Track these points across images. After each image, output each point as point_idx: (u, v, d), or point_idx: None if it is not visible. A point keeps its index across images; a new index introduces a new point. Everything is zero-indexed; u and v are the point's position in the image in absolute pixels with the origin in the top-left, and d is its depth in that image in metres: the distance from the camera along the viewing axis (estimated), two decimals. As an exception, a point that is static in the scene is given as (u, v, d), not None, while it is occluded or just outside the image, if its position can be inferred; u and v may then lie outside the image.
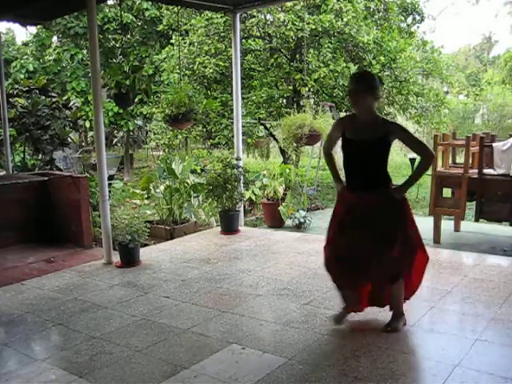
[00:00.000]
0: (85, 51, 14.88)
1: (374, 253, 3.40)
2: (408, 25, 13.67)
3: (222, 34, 10.77)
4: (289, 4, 10.15)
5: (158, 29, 13.41)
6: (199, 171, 8.66)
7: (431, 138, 7.98)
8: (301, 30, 9.83)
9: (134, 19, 14.64)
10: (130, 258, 5.31)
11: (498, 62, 27.87)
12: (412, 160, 13.01)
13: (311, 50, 10.36)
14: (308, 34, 9.92)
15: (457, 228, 6.69)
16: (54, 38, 16.64)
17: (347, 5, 10.32)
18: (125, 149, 16.61)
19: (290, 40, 10.35)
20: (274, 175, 7.71)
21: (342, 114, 13.26)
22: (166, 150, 12.91)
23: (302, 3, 10.09)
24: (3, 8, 6.20)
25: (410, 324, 3.63)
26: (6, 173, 7.57)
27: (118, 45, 14.71)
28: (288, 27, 10.00)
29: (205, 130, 11.73)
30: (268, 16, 11.03)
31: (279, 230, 7.00)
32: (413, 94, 11.34)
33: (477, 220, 5.92)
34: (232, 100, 7.15)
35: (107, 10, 14.39)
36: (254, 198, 7.69)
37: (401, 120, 14.81)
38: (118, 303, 4.22)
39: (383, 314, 3.72)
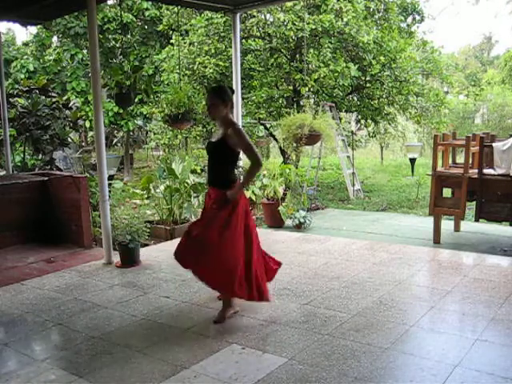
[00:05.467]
0: (85, 51, 14.87)
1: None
2: (408, 25, 13.66)
3: (222, 34, 10.77)
4: (289, 4, 10.14)
5: (158, 29, 13.41)
6: (199, 171, 8.65)
7: (431, 138, 7.99)
8: (301, 29, 9.82)
9: (134, 19, 14.63)
10: (130, 258, 5.31)
11: (498, 62, 27.86)
12: (412, 160, 13.05)
13: (311, 50, 10.35)
14: (308, 34, 9.91)
15: (457, 228, 6.69)
16: (54, 38, 16.64)
17: (347, 5, 10.31)
18: (125, 149, 16.60)
19: (290, 40, 10.35)
20: (274, 175, 7.71)
21: (343, 114, 13.30)
22: (166, 150, 12.91)
23: (301, 3, 10.08)
24: (3, 8, 6.20)
25: (410, 324, 3.64)
26: (6, 173, 7.57)
27: (118, 45, 14.69)
28: (288, 27, 9.99)
29: (205, 129, 11.72)
30: (268, 16, 11.03)
31: (279, 230, 7.00)
32: (413, 93, 11.33)
33: (477, 220, 5.92)
34: (232, 100, 7.13)
35: (107, 10, 14.38)
36: (254, 198, 7.69)
37: (401, 120, 14.83)
38: (117, 303, 4.22)
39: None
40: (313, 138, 7.25)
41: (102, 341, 3.51)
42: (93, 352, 3.35)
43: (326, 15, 10.07)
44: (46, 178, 6.60)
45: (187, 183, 7.22)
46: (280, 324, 3.70)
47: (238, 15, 6.76)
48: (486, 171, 5.71)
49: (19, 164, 9.51)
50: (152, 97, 11.62)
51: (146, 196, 7.25)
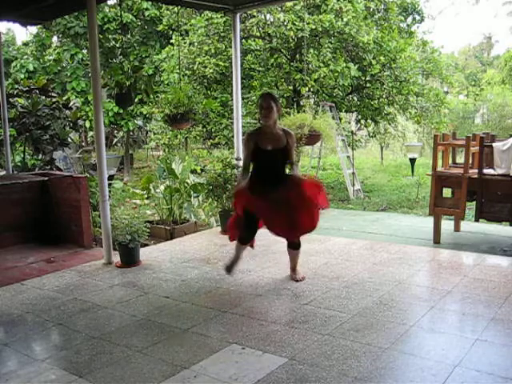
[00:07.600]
0: (85, 51, 14.89)
1: None
2: (408, 25, 13.69)
3: (222, 34, 10.78)
4: (289, 4, 10.15)
5: (158, 29, 13.42)
6: (199, 171, 8.66)
7: (431, 138, 7.99)
8: (301, 30, 9.83)
9: (134, 19, 14.65)
10: (130, 258, 5.31)
11: (498, 62, 27.87)
12: (412, 160, 13.06)
13: (311, 50, 10.36)
14: (308, 34, 9.92)
15: (457, 228, 6.68)
16: (54, 38, 16.66)
17: (347, 5, 10.32)
18: (125, 149, 16.62)
19: (290, 40, 10.36)
20: (274, 175, 7.68)
21: (343, 114, 13.32)
22: (166, 150, 12.92)
23: (301, 3, 10.09)
24: (3, 8, 6.20)
25: (410, 324, 3.64)
26: (6, 173, 7.57)
27: (118, 45, 14.70)
28: (288, 27, 10.00)
29: (205, 129, 11.74)
30: (268, 16, 11.04)
31: (279, 230, 6.98)
32: (413, 93, 11.35)
33: (477, 220, 5.91)
34: (232, 100, 7.15)
35: (107, 10, 14.40)
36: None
37: (401, 120, 14.87)
38: (117, 303, 4.22)
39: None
40: (313, 137, 7.25)
41: (101, 341, 3.51)
42: (93, 352, 3.35)
43: (326, 15, 10.08)
44: (46, 178, 6.60)
45: (187, 183, 7.23)
46: (280, 324, 3.70)
47: (238, 15, 6.76)
48: (486, 171, 5.70)
49: (19, 164, 9.50)
50: (152, 97, 11.61)
51: (145, 196, 7.25)
